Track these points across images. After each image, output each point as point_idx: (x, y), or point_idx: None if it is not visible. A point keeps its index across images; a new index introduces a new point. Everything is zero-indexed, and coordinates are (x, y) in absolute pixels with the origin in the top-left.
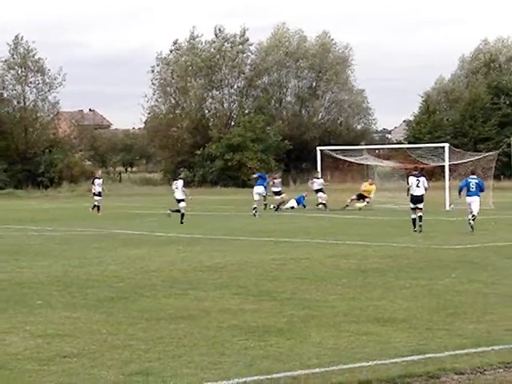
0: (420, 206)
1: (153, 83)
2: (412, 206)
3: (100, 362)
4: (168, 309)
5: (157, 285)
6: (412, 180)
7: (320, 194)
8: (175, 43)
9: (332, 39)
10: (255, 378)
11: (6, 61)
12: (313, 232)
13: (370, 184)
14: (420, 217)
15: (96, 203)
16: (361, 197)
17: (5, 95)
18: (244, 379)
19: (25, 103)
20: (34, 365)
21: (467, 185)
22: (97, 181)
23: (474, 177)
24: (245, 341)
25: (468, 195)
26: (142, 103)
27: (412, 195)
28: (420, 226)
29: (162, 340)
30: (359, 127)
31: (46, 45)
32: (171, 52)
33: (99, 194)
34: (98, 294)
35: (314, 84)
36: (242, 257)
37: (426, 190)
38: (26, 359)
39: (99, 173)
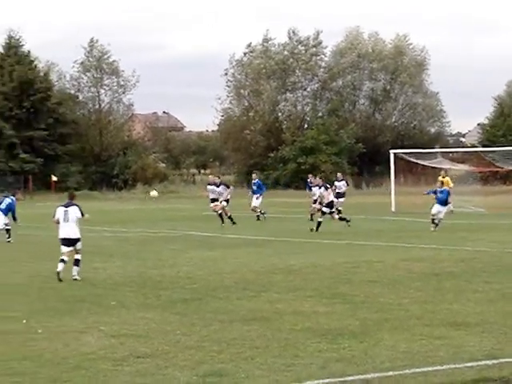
0: None
1: (227, 85)
2: None
3: (173, 363)
4: (241, 310)
5: (230, 286)
6: None
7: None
8: (249, 46)
9: (408, 42)
10: (328, 380)
11: (81, 63)
12: (385, 235)
13: (443, 177)
14: None
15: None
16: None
17: (80, 97)
18: (317, 381)
19: (100, 105)
20: (108, 364)
21: None
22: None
23: None
24: (318, 343)
25: None
26: (215, 106)
27: None
28: None
29: (235, 341)
30: (433, 130)
31: (120, 47)
32: (245, 55)
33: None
34: (172, 296)
35: (388, 87)
36: (314, 259)
37: None
38: (100, 359)
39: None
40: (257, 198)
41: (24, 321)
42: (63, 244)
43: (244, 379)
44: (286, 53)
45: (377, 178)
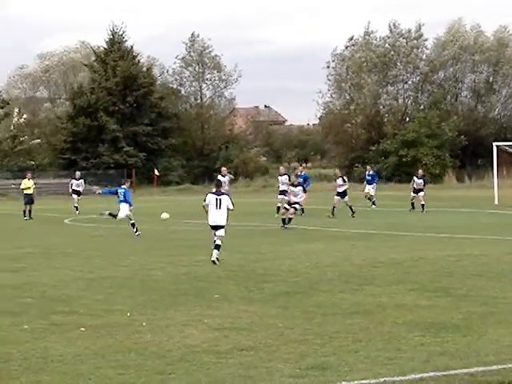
0: None
1: (328, 79)
2: None
3: (276, 356)
4: (343, 304)
5: (332, 280)
6: None
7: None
8: (351, 39)
9: (510, 33)
10: (432, 374)
11: (183, 58)
12: (488, 228)
13: None
14: None
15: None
16: None
17: (182, 92)
18: (420, 375)
19: (202, 100)
20: (212, 357)
21: None
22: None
23: None
24: (421, 337)
25: None
26: (316, 99)
27: None
28: None
29: (338, 335)
30: None
31: (222, 42)
32: (346, 48)
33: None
34: (274, 289)
35: (491, 78)
36: (416, 253)
37: None
38: (204, 352)
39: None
40: (373, 188)
41: (128, 314)
42: (213, 229)
43: (347, 372)
44: (387, 46)
45: (479, 171)
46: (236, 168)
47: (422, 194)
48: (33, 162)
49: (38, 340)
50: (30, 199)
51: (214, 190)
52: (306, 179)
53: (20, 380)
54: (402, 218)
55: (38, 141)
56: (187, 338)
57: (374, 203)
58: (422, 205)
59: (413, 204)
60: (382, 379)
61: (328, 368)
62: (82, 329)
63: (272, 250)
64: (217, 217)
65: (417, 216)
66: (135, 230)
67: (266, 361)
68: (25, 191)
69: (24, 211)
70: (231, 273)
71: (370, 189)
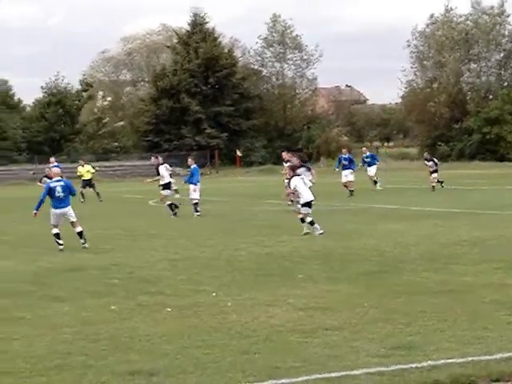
0: None
1: (410, 57)
2: None
3: (361, 336)
4: (428, 283)
5: (416, 259)
6: None
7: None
8: (431, 17)
9: None
10: None
11: (265, 38)
12: None
13: None
14: None
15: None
16: None
17: (264, 72)
18: (508, 354)
19: (283, 80)
20: (297, 337)
21: None
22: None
23: None
24: (508, 316)
25: None
26: (400, 77)
27: None
28: None
29: (424, 314)
30: None
31: (303, 22)
32: (427, 26)
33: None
34: (358, 268)
35: None
36: (499, 231)
37: None
38: (289, 331)
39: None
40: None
41: (214, 294)
42: (307, 206)
43: (433, 352)
44: (468, 23)
45: None
46: (318, 148)
47: (435, 175)
48: (116, 144)
49: (126, 320)
50: (86, 183)
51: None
52: (350, 160)
53: (109, 359)
54: (485, 196)
55: (122, 123)
56: (272, 317)
57: (375, 182)
58: (433, 186)
59: (441, 182)
60: (468, 358)
61: (413, 347)
62: (168, 309)
63: (355, 229)
64: (310, 193)
65: (501, 194)
66: (174, 211)
67: (350, 340)
68: (83, 177)
69: (82, 193)
70: (315, 253)
71: (370, 171)
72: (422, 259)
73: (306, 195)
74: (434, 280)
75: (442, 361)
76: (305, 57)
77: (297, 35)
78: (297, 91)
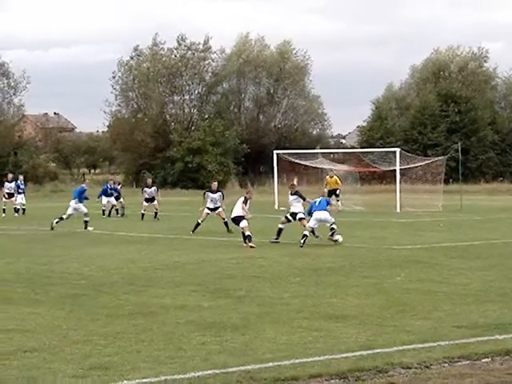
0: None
1: (114, 88)
2: None
3: (60, 357)
4: (127, 305)
5: (117, 282)
6: None
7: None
8: (136, 49)
9: (292, 47)
10: (211, 372)
11: None
12: (268, 232)
13: (331, 177)
14: None
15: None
16: (331, 193)
17: None
18: (200, 373)
19: None
20: None
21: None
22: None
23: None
24: (201, 336)
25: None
26: (103, 108)
27: None
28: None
29: (121, 335)
30: (314, 132)
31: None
32: (132, 58)
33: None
34: (60, 291)
35: (272, 90)
36: (199, 256)
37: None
38: None
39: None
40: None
41: None
42: None
43: (129, 371)
44: (173, 57)
45: (261, 178)
46: (25, 173)
47: (155, 202)
48: None
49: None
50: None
51: None
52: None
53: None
54: (186, 222)
55: None
56: None
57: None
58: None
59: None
60: (162, 377)
61: (110, 367)
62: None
63: (61, 253)
64: None
65: (208, 222)
66: None
67: (49, 362)
68: None
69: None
70: (18, 276)
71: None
72: (123, 282)
73: None
74: (134, 302)
75: (137, 380)
76: (12, 83)
77: (4, 62)
78: (4, 117)
